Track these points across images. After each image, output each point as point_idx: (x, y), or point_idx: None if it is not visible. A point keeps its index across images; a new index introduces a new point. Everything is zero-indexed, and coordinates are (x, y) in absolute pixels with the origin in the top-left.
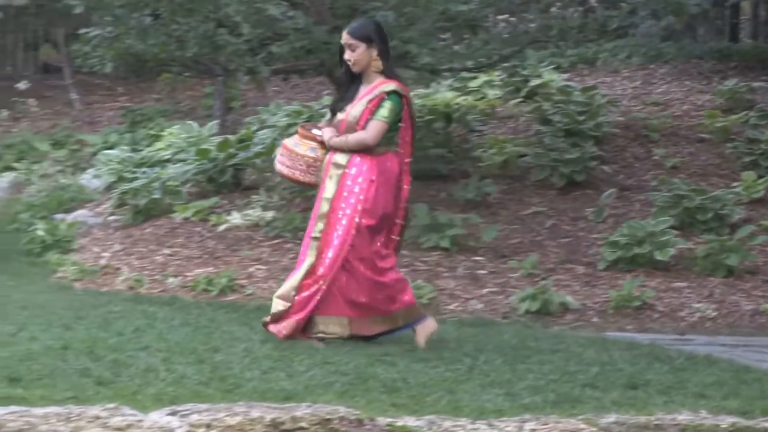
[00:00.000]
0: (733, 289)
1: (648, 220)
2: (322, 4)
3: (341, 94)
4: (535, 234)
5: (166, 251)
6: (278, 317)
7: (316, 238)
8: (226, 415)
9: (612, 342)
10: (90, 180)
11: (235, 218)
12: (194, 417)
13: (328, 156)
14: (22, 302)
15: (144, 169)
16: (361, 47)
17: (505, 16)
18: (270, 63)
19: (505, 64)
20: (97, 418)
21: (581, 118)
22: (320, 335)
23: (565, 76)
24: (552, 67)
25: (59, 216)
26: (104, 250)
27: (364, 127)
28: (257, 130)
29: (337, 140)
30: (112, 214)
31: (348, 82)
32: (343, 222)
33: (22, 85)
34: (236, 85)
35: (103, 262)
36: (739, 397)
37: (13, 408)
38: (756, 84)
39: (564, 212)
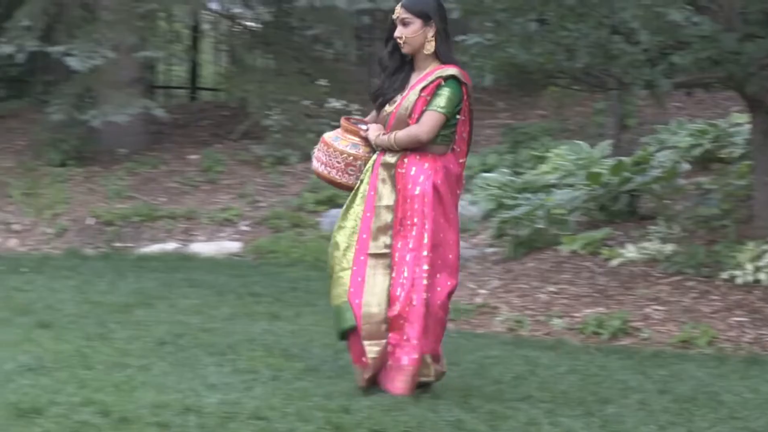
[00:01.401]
0: None
1: None
2: (732, 8)
3: (389, 82)
4: None
5: (551, 288)
6: (380, 365)
7: (381, 255)
8: None
9: None
10: (466, 207)
11: (630, 251)
12: None
13: (376, 156)
14: None
15: (527, 195)
16: (416, 24)
17: None
18: (671, 75)
19: None
20: None
21: None
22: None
23: None
24: None
25: None
26: (481, 286)
27: (417, 121)
28: (656, 152)
29: (383, 138)
30: (490, 245)
31: (394, 68)
32: (413, 232)
33: None
34: (632, 100)
35: (479, 300)
36: None
37: None
38: None
39: None
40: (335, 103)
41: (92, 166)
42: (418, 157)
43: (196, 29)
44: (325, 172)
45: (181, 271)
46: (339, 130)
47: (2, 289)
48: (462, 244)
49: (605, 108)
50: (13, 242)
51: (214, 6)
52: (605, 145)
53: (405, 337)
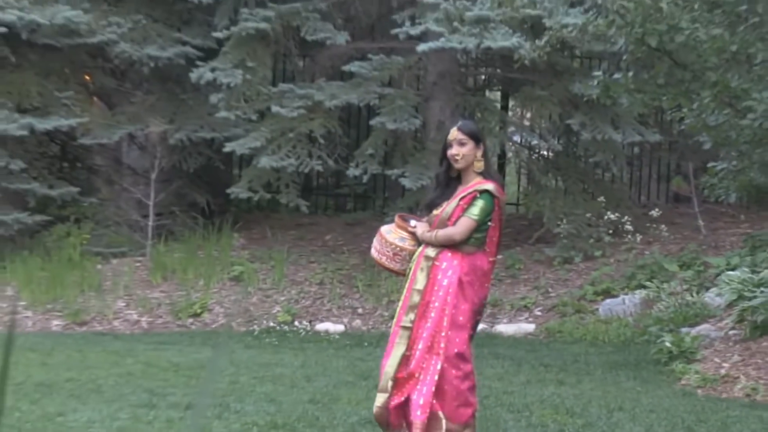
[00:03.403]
0: None
1: None
2: None
3: (440, 191)
4: None
5: None
6: (382, 414)
7: (406, 328)
8: None
9: None
10: (713, 298)
11: None
12: None
13: (420, 249)
14: (650, 406)
15: (762, 289)
16: (471, 144)
17: None
18: None
19: None
20: None
21: None
22: None
23: None
24: None
25: (684, 329)
26: (724, 360)
27: (454, 224)
28: None
29: (428, 235)
30: (732, 328)
31: (446, 180)
32: (432, 314)
33: (654, 213)
34: None
35: (723, 371)
36: None
37: None
38: None
39: None
40: (611, 216)
41: None
42: (450, 254)
43: (501, 156)
44: (377, 257)
45: (487, 347)
46: (393, 224)
47: (348, 359)
48: (708, 327)
49: None
50: (357, 323)
51: (516, 138)
52: None
53: (414, 397)
